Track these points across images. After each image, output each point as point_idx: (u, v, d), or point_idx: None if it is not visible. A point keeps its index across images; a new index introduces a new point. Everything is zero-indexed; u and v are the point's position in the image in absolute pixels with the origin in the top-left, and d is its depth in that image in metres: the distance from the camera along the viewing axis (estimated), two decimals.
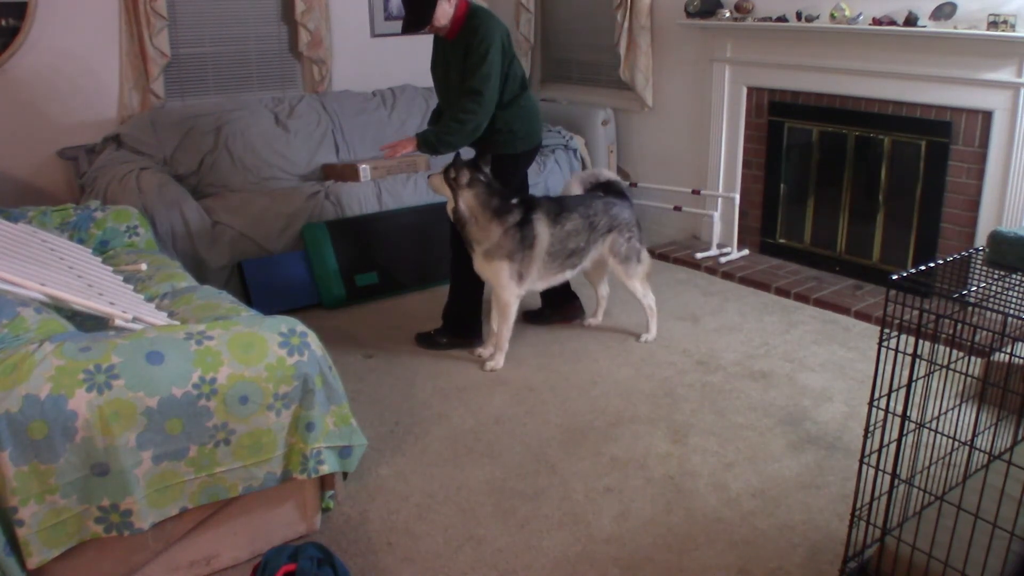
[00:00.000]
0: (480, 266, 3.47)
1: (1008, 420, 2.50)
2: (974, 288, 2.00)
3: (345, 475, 2.46)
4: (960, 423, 2.09)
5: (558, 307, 3.99)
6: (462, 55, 3.33)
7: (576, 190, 3.79)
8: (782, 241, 4.77)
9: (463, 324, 3.76)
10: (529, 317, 4.01)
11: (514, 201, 3.43)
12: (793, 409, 3.16)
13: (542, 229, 3.45)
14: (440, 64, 3.51)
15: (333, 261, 4.23)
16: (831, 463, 2.79)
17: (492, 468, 2.79)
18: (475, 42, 3.27)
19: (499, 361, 3.54)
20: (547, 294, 3.97)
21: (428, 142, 3.38)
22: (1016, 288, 2.05)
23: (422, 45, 5.66)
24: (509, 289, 3.44)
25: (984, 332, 1.83)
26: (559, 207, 3.52)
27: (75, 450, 1.93)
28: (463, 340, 3.74)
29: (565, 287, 3.98)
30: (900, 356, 1.84)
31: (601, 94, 5.62)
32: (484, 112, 3.32)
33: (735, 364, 3.55)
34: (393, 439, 2.99)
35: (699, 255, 4.81)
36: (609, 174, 3.84)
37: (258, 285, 4.11)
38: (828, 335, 3.83)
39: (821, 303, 4.17)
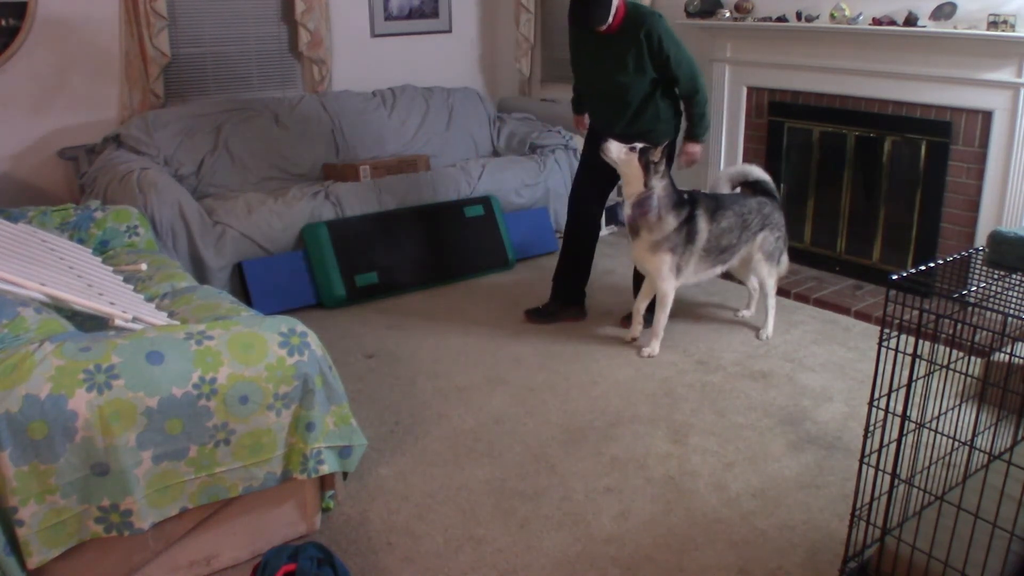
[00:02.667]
0: (641, 255, 3.54)
1: (1008, 420, 2.50)
2: (974, 288, 2.00)
3: (345, 475, 2.46)
4: (960, 423, 2.09)
5: (568, 306, 3.99)
6: (633, 51, 3.44)
7: (724, 187, 3.81)
8: None
9: (574, 292, 3.95)
10: (531, 316, 4.01)
11: (686, 196, 3.53)
12: (793, 409, 3.16)
13: (703, 225, 3.53)
14: (588, 54, 3.61)
15: (333, 261, 4.23)
16: (831, 463, 2.79)
17: (492, 468, 2.79)
18: (656, 38, 3.41)
19: (655, 348, 3.62)
20: (562, 290, 3.98)
21: (699, 137, 3.63)
22: (1016, 288, 2.05)
23: (422, 45, 5.70)
24: (669, 281, 3.53)
25: (984, 332, 1.83)
26: (716, 204, 3.60)
27: (75, 450, 1.93)
28: (573, 308, 3.96)
29: (581, 288, 3.98)
30: (900, 356, 1.83)
31: None
32: (705, 91, 3.58)
33: (735, 364, 3.55)
34: (393, 439, 2.99)
35: None
36: (759, 172, 3.81)
37: (258, 285, 4.11)
38: (828, 335, 3.83)
39: (821, 303, 4.17)
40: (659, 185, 3.43)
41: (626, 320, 3.94)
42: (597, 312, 4.10)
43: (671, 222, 3.46)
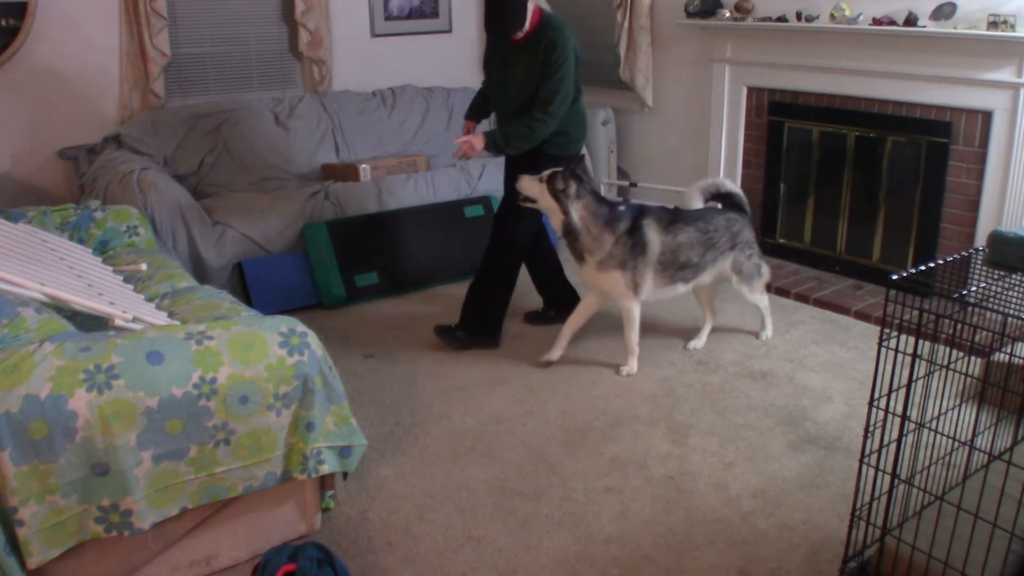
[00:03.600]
0: (593, 277, 3.41)
1: (1008, 420, 2.50)
2: (974, 288, 2.00)
3: (345, 475, 2.46)
4: (960, 423, 2.09)
5: (562, 308, 3.98)
6: (531, 61, 3.34)
7: (696, 200, 3.67)
8: (782, 241, 4.77)
9: (485, 323, 3.70)
10: (530, 318, 4.01)
11: (621, 208, 3.40)
12: (793, 409, 3.16)
13: (652, 236, 3.37)
14: (498, 63, 3.53)
15: (333, 261, 4.23)
16: (831, 463, 2.79)
17: (492, 468, 2.79)
18: (553, 56, 3.29)
19: (633, 366, 3.49)
20: (551, 294, 3.97)
21: (496, 143, 3.40)
22: (1016, 288, 2.05)
23: (422, 45, 5.70)
24: (628, 297, 3.40)
25: (984, 332, 1.83)
26: (672, 216, 3.45)
27: (75, 450, 1.93)
28: (482, 339, 3.69)
29: (569, 288, 3.97)
30: (900, 356, 1.83)
31: (601, 94, 5.61)
32: (553, 123, 3.37)
33: (735, 364, 3.55)
34: (393, 439, 2.99)
35: None
36: (730, 185, 3.70)
37: (258, 285, 4.11)
38: (828, 335, 3.83)
39: (821, 303, 4.17)
40: (577, 206, 3.28)
41: (531, 317, 3.94)
42: (597, 312, 4.08)
43: (607, 238, 3.31)
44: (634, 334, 3.47)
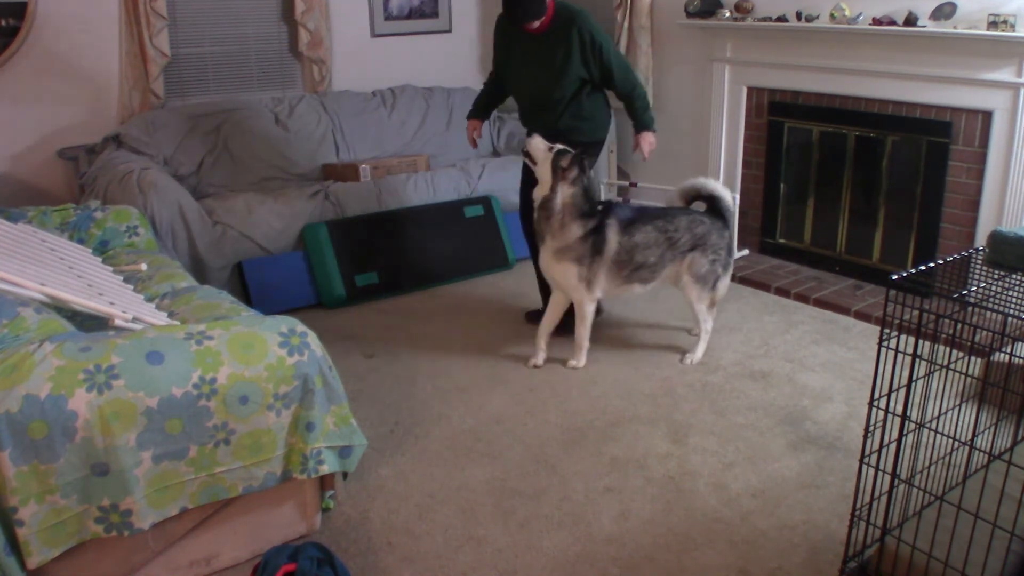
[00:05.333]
0: (547, 262, 3.43)
1: (1008, 420, 2.50)
2: (974, 288, 2.00)
3: (345, 475, 2.46)
4: (960, 423, 2.09)
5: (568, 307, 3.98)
6: (565, 50, 3.40)
7: (677, 202, 3.64)
8: (782, 241, 4.77)
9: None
10: (531, 317, 4.01)
11: (600, 207, 3.41)
12: (793, 409, 3.16)
13: (611, 236, 3.37)
14: (518, 58, 3.56)
15: (333, 261, 4.23)
16: (831, 463, 2.79)
17: (492, 468, 2.79)
18: (588, 35, 3.39)
19: (581, 360, 3.52)
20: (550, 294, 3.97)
21: (651, 123, 3.59)
22: (1016, 288, 2.05)
23: (422, 45, 5.70)
24: (579, 291, 3.40)
25: (984, 332, 1.83)
26: (633, 216, 3.43)
27: (75, 450, 1.93)
28: (572, 310, 3.64)
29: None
30: (900, 356, 1.83)
31: None
32: (641, 86, 3.58)
33: (735, 364, 3.55)
34: (393, 439, 2.99)
35: None
36: (714, 186, 3.56)
37: (258, 285, 4.11)
38: (828, 335, 3.83)
39: (821, 303, 4.17)
40: (566, 191, 3.30)
41: (532, 316, 3.92)
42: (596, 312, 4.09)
43: (575, 231, 3.31)
44: (585, 330, 3.49)
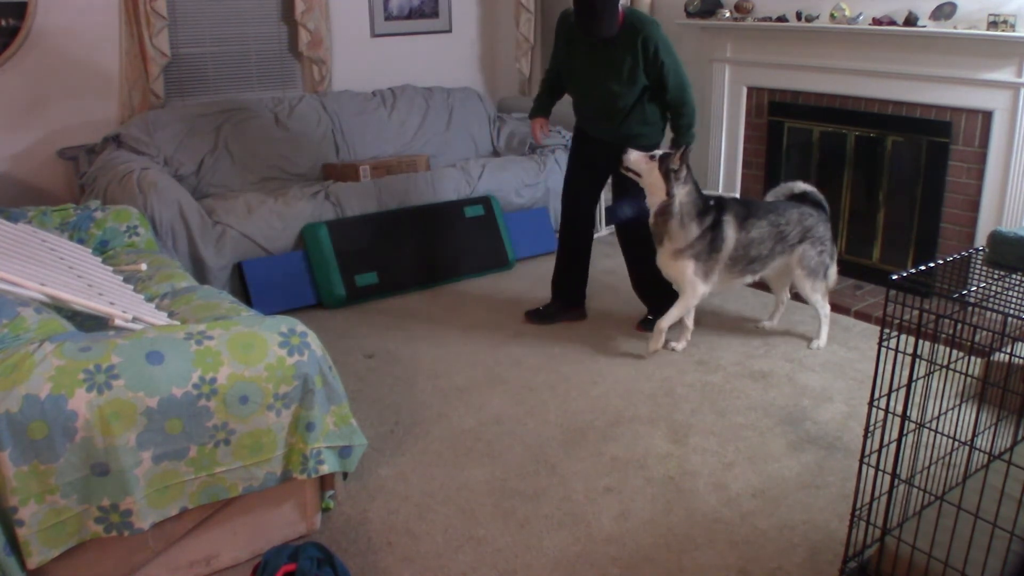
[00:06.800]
0: (665, 262, 3.50)
1: (1008, 420, 2.50)
2: (974, 288, 2.00)
3: (345, 475, 2.46)
4: (960, 423, 2.09)
5: (568, 307, 3.99)
6: (632, 58, 3.42)
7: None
8: None
9: (574, 293, 3.94)
10: (531, 316, 4.01)
11: (711, 202, 3.46)
12: (793, 409, 3.16)
13: (730, 233, 3.45)
14: (581, 61, 3.57)
15: (333, 261, 4.23)
16: (831, 463, 2.79)
17: (492, 468, 2.79)
18: (653, 47, 3.41)
19: (657, 344, 3.57)
20: (562, 291, 3.98)
21: (690, 142, 3.55)
22: (1016, 288, 2.05)
23: (422, 45, 5.70)
24: (694, 286, 3.47)
25: (984, 332, 1.83)
26: (747, 211, 3.51)
27: (75, 450, 1.93)
28: (574, 310, 3.88)
29: (581, 289, 3.97)
30: (900, 356, 1.83)
31: None
32: (692, 101, 3.58)
33: (735, 364, 3.55)
34: (393, 439, 2.99)
35: None
36: (805, 186, 3.68)
37: (258, 285, 4.11)
38: (828, 335, 3.83)
39: None
40: (682, 192, 3.38)
41: (642, 326, 3.89)
42: (597, 312, 4.10)
43: (694, 230, 3.41)
44: (676, 312, 3.53)
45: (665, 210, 3.41)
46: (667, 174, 3.36)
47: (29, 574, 1.97)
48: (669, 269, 3.52)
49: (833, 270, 3.70)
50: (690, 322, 3.70)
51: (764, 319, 3.96)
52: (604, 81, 3.51)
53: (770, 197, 3.77)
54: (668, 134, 3.68)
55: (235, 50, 5.03)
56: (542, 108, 3.91)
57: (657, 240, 3.50)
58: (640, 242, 3.68)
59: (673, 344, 3.66)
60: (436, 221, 4.60)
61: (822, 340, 3.71)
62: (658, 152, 3.42)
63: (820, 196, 3.67)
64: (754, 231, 3.49)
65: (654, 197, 3.43)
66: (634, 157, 3.43)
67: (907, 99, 3.97)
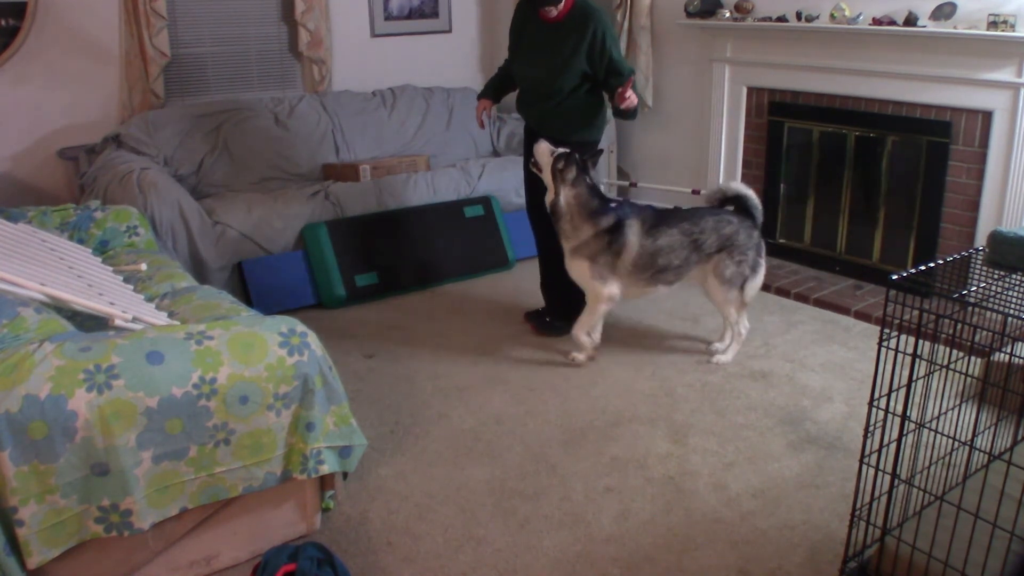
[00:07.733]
0: (567, 262, 3.49)
1: (1008, 420, 2.50)
2: (974, 288, 2.00)
3: (345, 475, 2.46)
4: (960, 423, 2.09)
5: (567, 316, 3.90)
6: (576, 42, 3.42)
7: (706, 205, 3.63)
8: (782, 241, 4.77)
9: (566, 304, 3.75)
10: (530, 317, 4.00)
11: (613, 204, 3.41)
12: (793, 409, 3.16)
13: (632, 238, 3.36)
14: (528, 40, 3.58)
15: (333, 261, 4.23)
16: (831, 463, 2.79)
17: (492, 468, 2.79)
18: (600, 36, 3.41)
19: (580, 355, 3.54)
20: (553, 302, 3.92)
21: (636, 88, 3.45)
22: (1016, 288, 2.05)
23: (422, 45, 5.70)
24: (593, 286, 3.42)
25: (984, 332, 1.83)
26: (657, 219, 3.40)
27: (75, 450, 1.93)
28: (575, 316, 3.67)
29: (572, 297, 3.91)
30: (900, 356, 1.83)
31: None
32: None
33: (735, 364, 3.55)
34: (393, 439, 2.99)
35: None
36: (739, 187, 3.54)
37: (258, 285, 4.11)
38: (828, 335, 3.83)
39: (821, 303, 4.17)
40: (568, 193, 3.34)
41: (530, 318, 3.93)
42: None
43: (587, 230, 3.35)
44: (588, 321, 3.49)
45: (554, 209, 3.40)
46: (555, 173, 3.36)
47: (29, 574, 1.97)
48: (570, 268, 3.47)
49: (754, 283, 3.48)
50: (596, 336, 3.57)
51: (714, 340, 3.71)
52: (542, 61, 3.51)
53: (704, 200, 3.66)
54: (609, 136, 3.65)
55: (235, 50, 5.03)
56: (489, 90, 3.88)
57: (561, 238, 3.46)
58: (551, 237, 3.64)
59: (575, 354, 3.56)
60: (436, 221, 4.60)
61: (728, 355, 3.55)
62: (559, 150, 3.38)
63: (755, 201, 3.51)
64: (662, 239, 3.36)
65: (548, 194, 3.43)
66: (542, 147, 3.41)
67: (907, 99, 3.96)
